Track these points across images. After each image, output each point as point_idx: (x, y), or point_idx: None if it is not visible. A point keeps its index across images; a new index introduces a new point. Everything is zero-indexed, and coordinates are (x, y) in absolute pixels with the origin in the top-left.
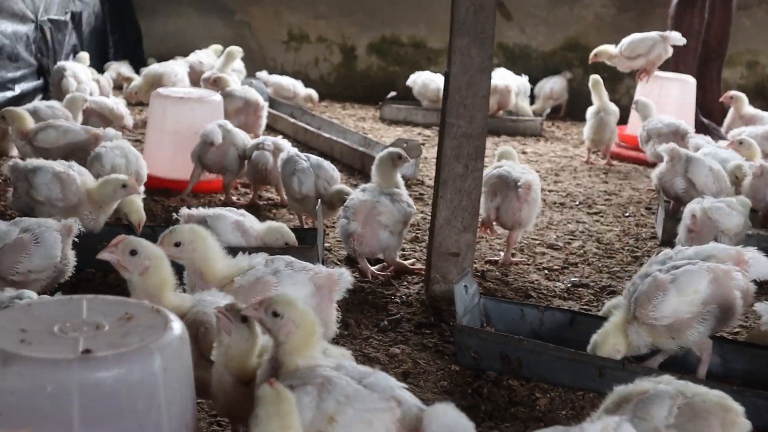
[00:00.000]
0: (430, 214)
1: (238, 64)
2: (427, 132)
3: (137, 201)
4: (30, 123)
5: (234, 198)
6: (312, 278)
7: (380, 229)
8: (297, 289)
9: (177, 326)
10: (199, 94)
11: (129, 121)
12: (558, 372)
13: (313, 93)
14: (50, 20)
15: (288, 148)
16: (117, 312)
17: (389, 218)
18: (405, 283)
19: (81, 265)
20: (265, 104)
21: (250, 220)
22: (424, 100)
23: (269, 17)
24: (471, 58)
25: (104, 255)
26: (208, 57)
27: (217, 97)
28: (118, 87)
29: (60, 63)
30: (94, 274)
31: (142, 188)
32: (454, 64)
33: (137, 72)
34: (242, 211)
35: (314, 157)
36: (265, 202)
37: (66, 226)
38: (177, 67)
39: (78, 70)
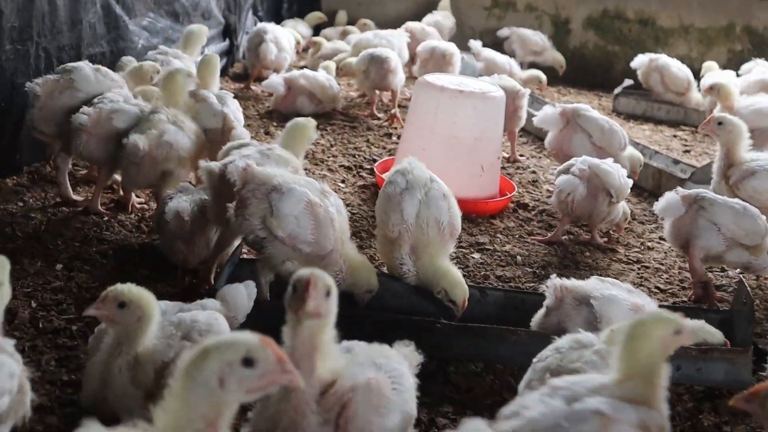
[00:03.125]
0: None
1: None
2: (679, 133)
3: (456, 272)
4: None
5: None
6: None
7: None
8: None
9: None
10: (480, 87)
11: (340, 103)
12: None
13: (541, 75)
14: None
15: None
16: None
17: None
18: None
19: None
20: (526, 92)
21: (645, 300)
22: (667, 93)
23: None
24: None
25: None
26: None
27: (500, 92)
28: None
29: (261, 25)
30: None
31: None
32: None
33: (316, 33)
34: (629, 285)
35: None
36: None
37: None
38: (393, 39)
39: (280, 34)
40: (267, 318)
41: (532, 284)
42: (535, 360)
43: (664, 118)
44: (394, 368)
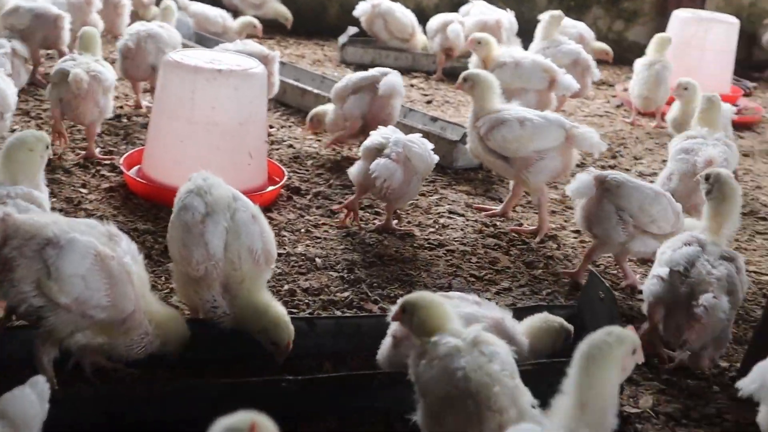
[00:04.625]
0: None
1: None
2: (414, 81)
3: (278, 308)
4: None
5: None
6: None
7: None
8: None
9: None
10: (238, 62)
11: None
12: None
13: (255, 21)
14: None
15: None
16: None
17: None
18: None
19: None
20: (276, 56)
21: (498, 311)
22: (393, 39)
23: None
24: None
25: None
26: None
27: (261, 66)
28: None
29: None
30: None
31: None
32: None
33: None
34: (474, 297)
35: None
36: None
37: None
38: None
39: None
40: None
41: (345, 294)
42: None
43: (393, 65)
44: None
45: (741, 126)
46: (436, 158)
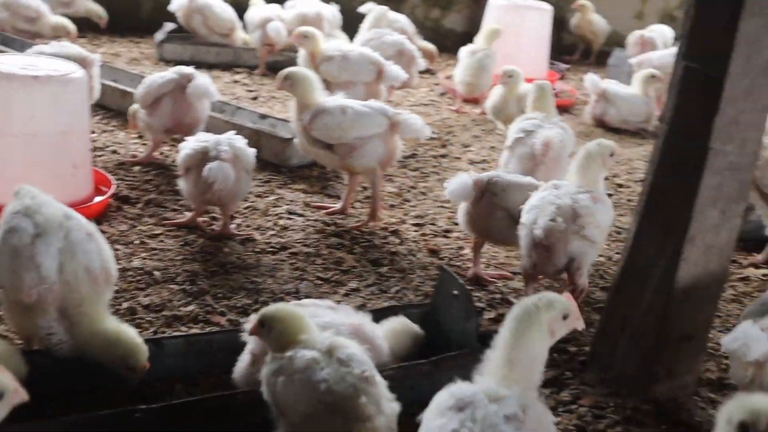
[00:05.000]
0: None
1: None
2: (238, 77)
3: (129, 332)
4: None
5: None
6: None
7: None
8: None
9: None
10: (56, 67)
11: None
12: None
13: (71, 26)
14: None
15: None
16: None
17: None
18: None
19: None
20: (96, 59)
21: (355, 316)
22: (212, 35)
23: None
24: (760, 52)
25: None
26: None
27: (82, 71)
28: None
29: None
30: None
31: None
32: (734, 62)
33: None
34: (328, 302)
35: None
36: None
37: None
38: None
39: None
40: None
41: (190, 307)
42: None
43: (214, 61)
44: None
45: (558, 109)
46: (254, 151)
